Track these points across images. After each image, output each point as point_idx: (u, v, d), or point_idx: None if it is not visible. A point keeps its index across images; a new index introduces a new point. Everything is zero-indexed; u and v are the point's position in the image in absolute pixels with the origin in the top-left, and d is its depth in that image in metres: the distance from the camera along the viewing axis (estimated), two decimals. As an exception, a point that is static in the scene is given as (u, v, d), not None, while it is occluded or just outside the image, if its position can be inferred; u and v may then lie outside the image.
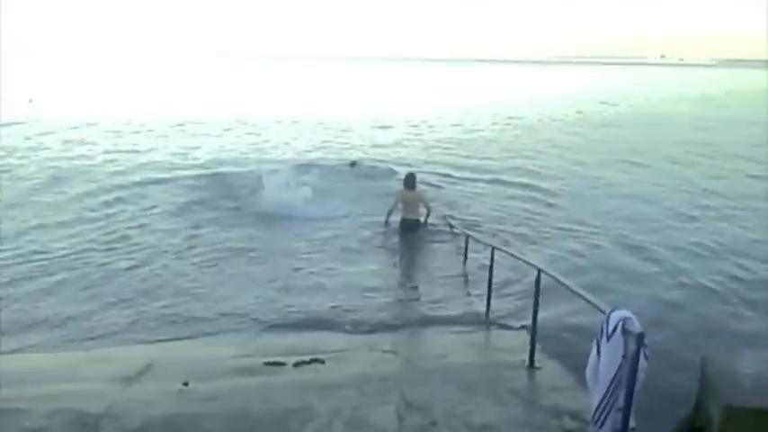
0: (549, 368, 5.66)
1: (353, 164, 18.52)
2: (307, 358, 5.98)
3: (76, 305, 8.11)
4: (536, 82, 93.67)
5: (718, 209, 14.03)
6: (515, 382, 5.40)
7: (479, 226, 12.04)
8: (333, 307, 8.09)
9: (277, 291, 8.67)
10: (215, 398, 5.13)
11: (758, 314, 8.28)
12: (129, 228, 11.82)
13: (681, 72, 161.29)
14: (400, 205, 11.73)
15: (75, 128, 26.36)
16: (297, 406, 4.85)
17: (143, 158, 19.63)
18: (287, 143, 23.78)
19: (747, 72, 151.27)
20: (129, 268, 9.59)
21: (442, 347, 6.61)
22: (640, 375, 3.37)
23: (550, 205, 14.25)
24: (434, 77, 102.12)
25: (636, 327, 3.41)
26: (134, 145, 22.55)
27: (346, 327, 7.47)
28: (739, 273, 9.81)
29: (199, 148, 22.14)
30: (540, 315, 5.69)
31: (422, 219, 11.71)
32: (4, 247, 10.31)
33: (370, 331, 7.31)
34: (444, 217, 12.27)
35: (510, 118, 34.85)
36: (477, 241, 9.82)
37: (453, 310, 8.07)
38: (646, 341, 3.33)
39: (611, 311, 3.60)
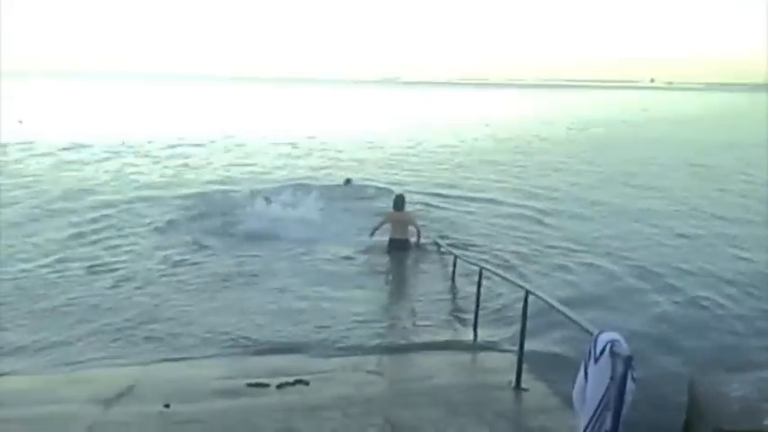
0: (536, 389, 5.61)
1: (348, 181, 18.34)
2: (290, 379, 5.86)
3: (59, 328, 7.91)
4: (521, 104, 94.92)
5: (709, 228, 14.15)
6: (502, 404, 5.34)
7: (471, 246, 11.99)
8: (318, 327, 7.95)
9: (263, 313, 8.50)
10: (196, 420, 5.03)
11: (746, 336, 8.26)
12: (115, 248, 11.67)
13: (669, 95, 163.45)
14: (388, 225, 11.70)
15: (66, 149, 26.32)
16: (280, 428, 4.76)
17: (132, 179, 19.59)
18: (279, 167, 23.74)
19: (733, 96, 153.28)
20: (112, 287, 9.47)
21: (427, 368, 6.51)
22: (628, 398, 3.34)
23: (543, 224, 14.31)
24: (427, 101, 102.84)
25: (624, 349, 3.39)
26: (124, 165, 22.55)
27: (332, 348, 7.34)
28: (730, 291, 9.82)
29: (186, 167, 22.08)
30: (528, 336, 5.64)
31: (411, 239, 11.69)
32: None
33: (356, 353, 7.18)
34: (435, 240, 12.22)
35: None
36: (466, 261, 9.78)
37: (440, 331, 7.97)
38: (634, 363, 3.30)
39: (599, 333, 3.58)
